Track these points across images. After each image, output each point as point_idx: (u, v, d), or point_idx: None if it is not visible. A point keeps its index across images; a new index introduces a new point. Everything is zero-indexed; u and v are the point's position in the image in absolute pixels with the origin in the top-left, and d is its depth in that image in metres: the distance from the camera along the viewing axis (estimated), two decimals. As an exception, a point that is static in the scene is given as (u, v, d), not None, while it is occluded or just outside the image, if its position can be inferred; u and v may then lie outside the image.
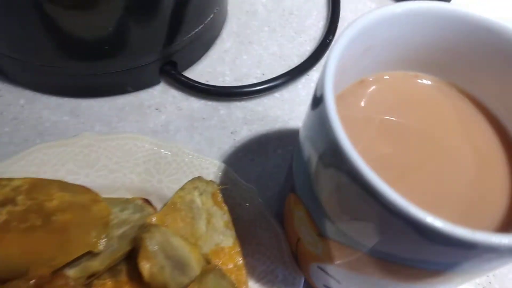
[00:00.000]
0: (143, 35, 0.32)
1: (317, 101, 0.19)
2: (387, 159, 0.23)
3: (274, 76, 0.36)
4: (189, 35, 0.35)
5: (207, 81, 0.36)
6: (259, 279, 0.26)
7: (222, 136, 0.33)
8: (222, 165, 0.29)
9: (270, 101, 0.36)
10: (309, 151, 0.21)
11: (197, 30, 0.35)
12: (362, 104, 0.25)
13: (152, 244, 0.24)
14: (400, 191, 0.16)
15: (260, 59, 0.38)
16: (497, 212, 0.20)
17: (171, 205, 0.26)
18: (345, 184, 0.18)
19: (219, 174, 0.29)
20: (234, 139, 0.33)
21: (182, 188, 0.26)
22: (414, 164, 0.23)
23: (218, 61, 0.37)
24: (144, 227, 0.25)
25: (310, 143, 0.21)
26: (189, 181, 0.27)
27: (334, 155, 0.18)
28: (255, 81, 0.36)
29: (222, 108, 0.35)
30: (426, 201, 0.21)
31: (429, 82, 0.25)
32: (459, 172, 0.22)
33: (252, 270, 0.26)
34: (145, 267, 0.23)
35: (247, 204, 0.28)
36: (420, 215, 0.15)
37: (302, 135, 0.22)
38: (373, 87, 0.25)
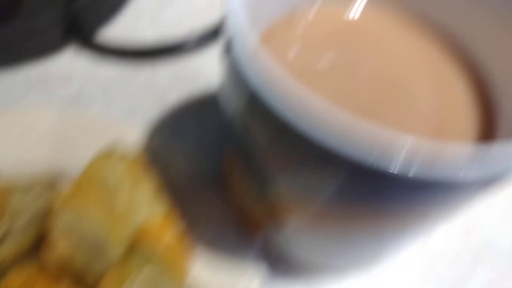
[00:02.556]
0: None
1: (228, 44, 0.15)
2: (338, 94, 0.19)
3: (206, 29, 0.31)
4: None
5: (124, 42, 0.31)
6: (207, 245, 0.22)
7: (146, 103, 0.29)
8: (147, 129, 0.25)
9: (202, 59, 0.31)
10: (231, 105, 0.17)
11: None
12: (297, 44, 0.21)
13: (60, 231, 0.19)
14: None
15: (190, 7, 0.33)
16: (467, 129, 0.18)
17: (80, 184, 0.21)
18: (276, 131, 0.14)
19: (145, 139, 0.24)
20: (162, 105, 0.29)
21: (92, 162, 0.22)
22: (368, 97, 0.19)
23: (137, 16, 0.32)
24: (50, 213, 0.20)
25: (230, 95, 0.17)
26: (100, 152, 0.22)
27: (255, 100, 0.14)
28: (183, 37, 0.31)
29: (144, 73, 0.30)
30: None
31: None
32: (419, 95, 0.19)
33: (198, 238, 0.22)
34: (53, 256, 0.19)
35: (183, 166, 0.24)
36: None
37: (221, 92, 0.19)
38: (309, 21, 0.21)
